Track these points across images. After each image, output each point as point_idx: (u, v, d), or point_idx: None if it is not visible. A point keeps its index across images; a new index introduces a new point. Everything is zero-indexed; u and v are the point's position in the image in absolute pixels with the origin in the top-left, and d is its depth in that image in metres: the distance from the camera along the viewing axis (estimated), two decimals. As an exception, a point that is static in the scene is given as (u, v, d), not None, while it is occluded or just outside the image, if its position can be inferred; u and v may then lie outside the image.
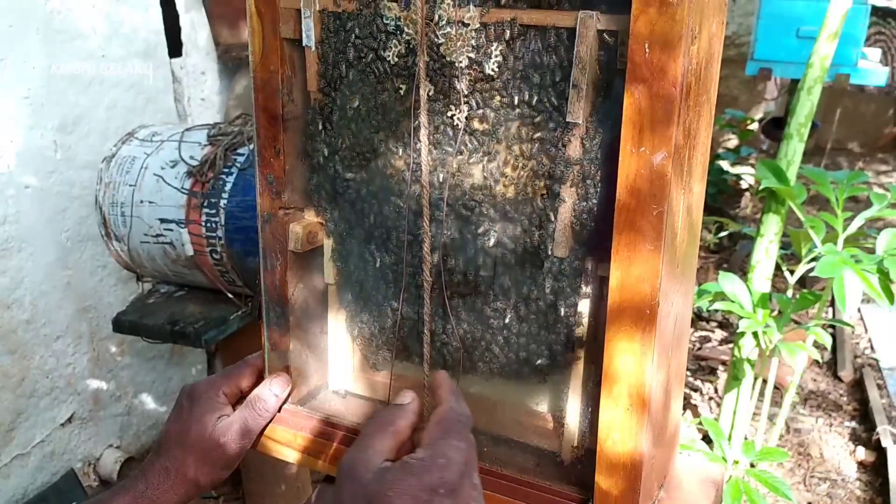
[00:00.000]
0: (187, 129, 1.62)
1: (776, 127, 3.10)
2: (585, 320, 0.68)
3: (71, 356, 1.92)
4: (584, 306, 0.67)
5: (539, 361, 0.70)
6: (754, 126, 3.74)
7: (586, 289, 0.67)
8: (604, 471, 0.65)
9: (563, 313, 0.68)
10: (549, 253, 0.66)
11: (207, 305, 1.62)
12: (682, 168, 0.59)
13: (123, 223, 1.59)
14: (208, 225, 1.50)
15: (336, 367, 0.83)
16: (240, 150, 1.53)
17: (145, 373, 2.14)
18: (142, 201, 1.56)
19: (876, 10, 3.17)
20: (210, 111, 2.22)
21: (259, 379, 0.82)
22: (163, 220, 1.54)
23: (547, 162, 0.64)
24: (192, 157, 1.55)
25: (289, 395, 0.80)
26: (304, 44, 0.71)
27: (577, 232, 0.65)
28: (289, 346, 0.80)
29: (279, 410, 0.79)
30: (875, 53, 2.98)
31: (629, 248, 0.59)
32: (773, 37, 2.75)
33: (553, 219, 0.65)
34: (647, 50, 0.54)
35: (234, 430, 0.76)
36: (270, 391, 0.78)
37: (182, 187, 1.53)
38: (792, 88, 2.97)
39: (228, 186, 1.50)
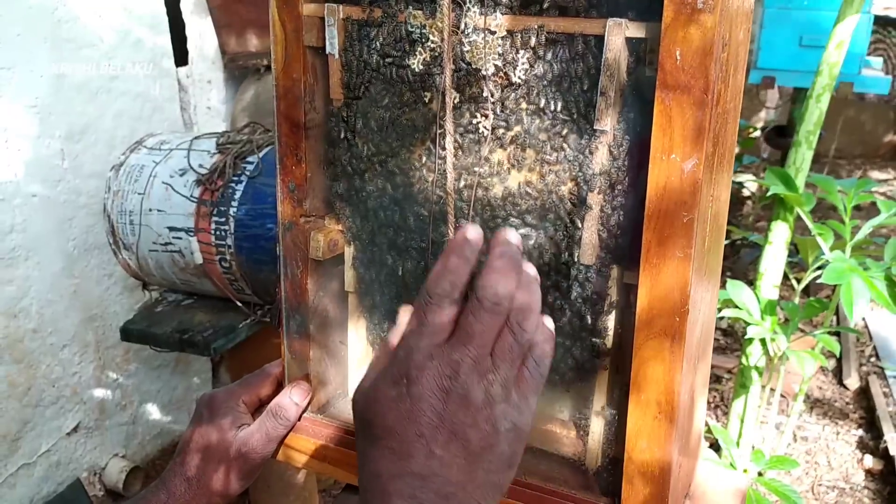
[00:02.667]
0: (196, 138, 1.62)
1: (779, 135, 3.11)
2: (611, 328, 0.67)
3: (77, 365, 1.91)
4: (610, 314, 0.67)
5: (564, 369, 0.70)
6: (756, 134, 3.75)
7: (612, 296, 0.66)
8: (631, 479, 0.64)
9: (588, 321, 0.67)
10: (576, 260, 0.65)
11: (216, 314, 1.62)
12: (710, 175, 0.59)
13: (132, 231, 1.58)
14: (217, 233, 1.50)
15: (355, 374, 0.83)
16: (249, 159, 1.53)
17: (150, 382, 2.14)
18: (150, 209, 1.56)
19: (877, 20, 3.18)
20: (216, 120, 2.22)
21: (278, 387, 0.82)
22: (172, 229, 1.54)
23: (574, 169, 0.64)
24: (200, 166, 1.54)
25: (309, 404, 0.79)
26: (327, 52, 0.71)
27: (604, 239, 0.65)
28: (309, 354, 0.79)
29: (299, 419, 0.79)
30: (877, 62, 2.99)
31: (659, 256, 0.59)
32: (776, 45, 2.76)
33: (580, 226, 0.64)
34: (679, 57, 0.54)
35: (254, 439, 0.75)
36: (291, 399, 0.78)
37: (191, 195, 1.52)
38: (795, 97, 2.98)
39: (238, 195, 1.49)
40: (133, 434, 2.11)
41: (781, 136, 3.15)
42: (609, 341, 0.68)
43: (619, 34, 0.59)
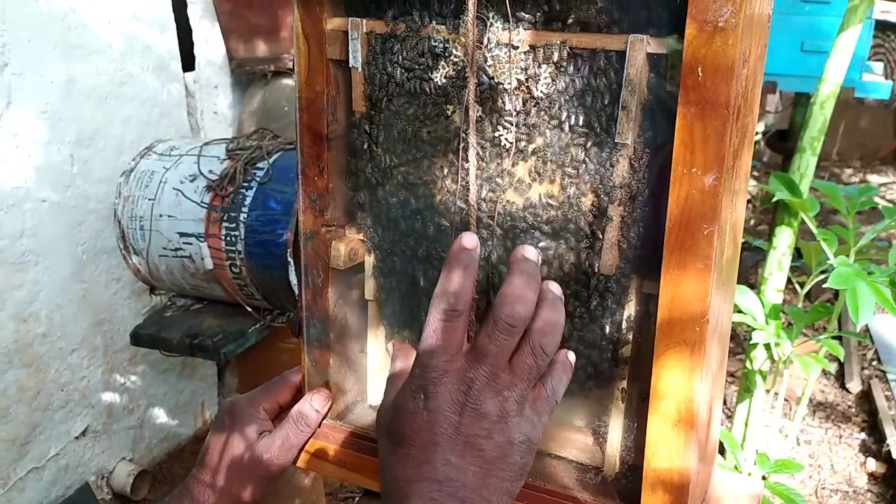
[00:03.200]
0: (206, 144, 1.64)
1: (780, 139, 3.13)
2: (630, 337, 0.69)
3: (86, 369, 1.92)
4: (630, 323, 0.68)
5: (585, 377, 0.71)
6: (757, 138, 3.76)
7: (632, 306, 0.68)
8: (650, 486, 0.65)
9: (608, 330, 0.69)
10: (596, 270, 0.67)
11: (225, 319, 1.63)
12: (730, 188, 0.61)
13: (142, 237, 1.59)
14: (228, 239, 1.51)
15: (374, 382, 0.84)
16: (259, 165, 1.55)
17: (157, 385, 2.15)
18: (161, 215, 1.57)
19: (876, 24, 3.20)
20: (223, 125, 2.23)
21: (298, 394, 0.83)
22: (182, 234, 1.55)
23: (595, 181, 0.65)
24: (211, 172, 1.56)
25: (329, 410, 0.80)
26: (350, 65, 0.72)
27: (624, 250, 0.66)
28: (328, 361, 0.80)
29: (320, 425, 0.80)
30: (878, 67, 3.01)
31: (679, 267, 0.60)
32: (777, 50, 2.78)
33: (600, 237, 0.66)
34: (701, 74, 0.56)
35: (276, 445, 0.76)
36: (311, 406, 0.79)
37: (201, 201, 1.53)
38: (796, 101, 2.99)
39: (248, 200, 1.50)
40: (140, 438, 2.12)
41: (783, 140, 3.16)
42: (628, 350, 0.69)
43: (640, 50, 0.61)
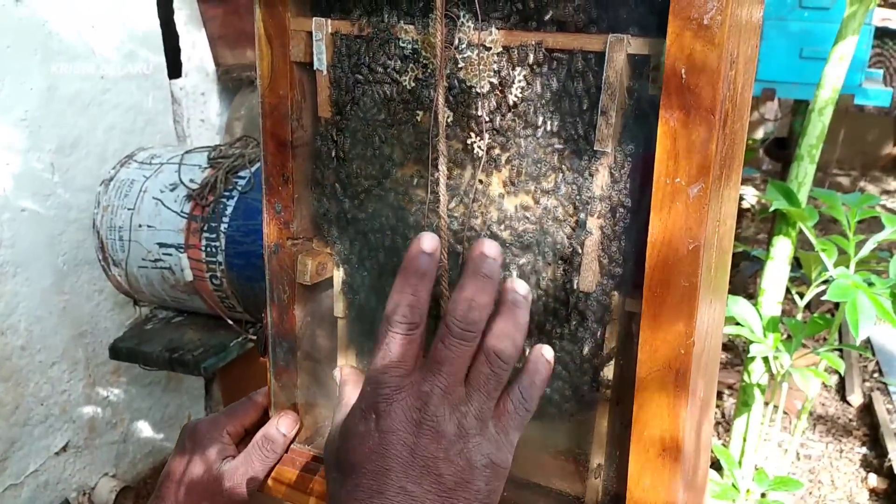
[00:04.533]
0: (187, 152, 1.59)
1: (779, 147, 3.09)
2: (612, 358, 0.64)
3: (66, 383, 1.87)
4: (611, 343, 0.64)
5: (562, 400, 0.66)
6: (755, 146, 3.72)
7: (613, 325, 0.63)
8: (634, 519, 0.61)
9: (588, 350, 0.64)
10: (575, 287, 0.62)
11: (206, 332, 1.58)
12: (718, 198, 0.56)
13: (121, 248, 1.55)
14: (208, 250, 1.47)
15: (345, 404, 0.79)
16: (241, 173, 1.50)
17: (141, 399, 2.10)
18: (140, 225, 1.53)
19: (875, 32, 3.16)
20: (210, 132, 2.19)
21: (264, 416, 0.78)
22: (161, 245, 1.51)
23: (573, 192, 0.61)
24: (192, 181, 1.51)
25: (297, 434, 0.76)
26: (315, 67, 0.68)
27: (605, 265, 0.61)
28: (296, 382, 0.76)
29: (287, 450, 0.75)
30: (878, 74, 2.97)
31: (662, 285, 0.56)
32: (776, 57, 2.74)
33: (579, 252, 0.61)
34: (684, 76, 0.51)
35: (239, 472, 0.72)
36: (278, 430, 0.74)
37: (181, 211, 1.49)
38: (795, 108, 2.95)
39: (229, 210, 1.46)
40: (124, 453, 2.07)
41: (781, 148, 3.12)
42: (610, 372, 0.64)
43: (620, 51, 0.56)
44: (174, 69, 2.06)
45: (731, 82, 0.54)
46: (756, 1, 0.60)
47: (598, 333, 0.63)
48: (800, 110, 2.93)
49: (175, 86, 2.05)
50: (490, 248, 0.54)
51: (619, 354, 0.64)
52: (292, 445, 0.76)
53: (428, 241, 0.53)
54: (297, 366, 0.75)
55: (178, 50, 2.08)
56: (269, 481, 0.75)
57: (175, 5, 2.00)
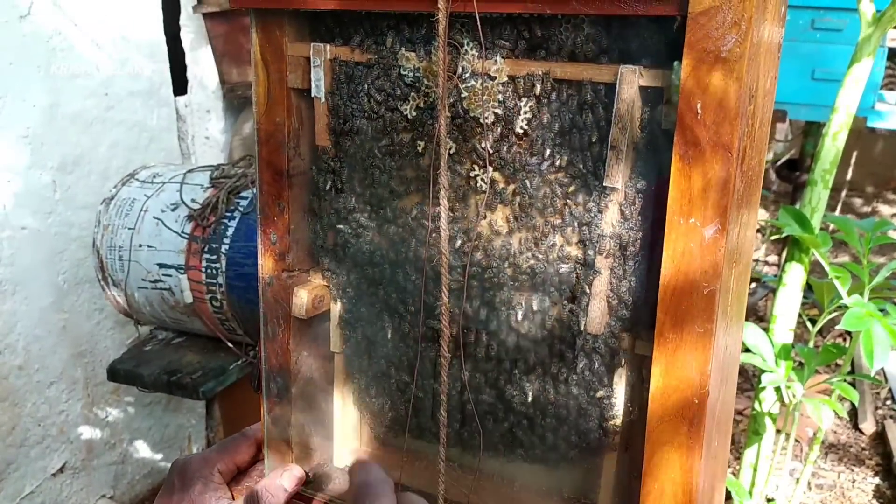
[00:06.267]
0: (189, 171, 1.57)
1: (790, 169, 3.05)
2: (621, 404, 0.61)
3: (64, 403, 1.84)
4: (621, 388, 0.61)
5: (568, 447, 0.63)
6: (766, 167, 3.68)
7: (623, 369, 0.60)
8: (643, 577, 0.57)
9: (596, 395, 0.61)
10: (582, 329, 0.59)
11: (206, 354, 1.55)
12: (735, 238, 0.53)
13: (121, 268, 1.53)
14: (208, 271, 1.44)
15: (341, 442, 0.76)
16: (243, 194, 1.48)
17: (141, 419, 2.07)
18: (140, 245, 1.50)
19: (889, 53, 3.13)
20: (214, 150, 2.17)
21: (257, 453, 0.75)
22: (161, 266, 1.48)
23: (581, 229, 0.58)
24: (193, 200, 1.49)
25: (298, 490, 0.72)
26: (313, 94, 0.65)
27: (614, 307, 0.58)
28: (290, 419, 0.73)
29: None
30: (891, 96, 2.93)
31: (675, 330, 0.52)
32: (787, 79, 2.70)
33: (587, 291, 0.58)
34: (700, 111, 0.48)
35: None
36: (280, 484, 0.71)
37: (182, 231, 1.47)
38: (807, 130, 2.92)
39: (230, 231, 1.44)
40: (122, 474, 2.04)
41: (792, 169, 3.09)
42: (619, 418, 0.61)
43: (632, 83, 0.53)
44: (179, 86, 2.05)
45: (750, 117, 0.51)
46: (776, 24, 0.57)
47: (606, 378, 0.60)
48: (811, 132, 2.90)
49: (180, 103, 2.04)
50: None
51: (628, 400, 0.61)
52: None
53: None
54: (292, 403, 0.72)
55: (184, 67, 2.07)
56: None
57: (181, 22, 1.99)
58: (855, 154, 3.33)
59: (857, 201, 4.68)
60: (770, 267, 3.51)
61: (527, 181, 0.58)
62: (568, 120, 0.56)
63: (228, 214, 1.45)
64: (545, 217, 0.59)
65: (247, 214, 1.45)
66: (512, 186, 0.59)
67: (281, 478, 0.70)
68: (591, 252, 0.57)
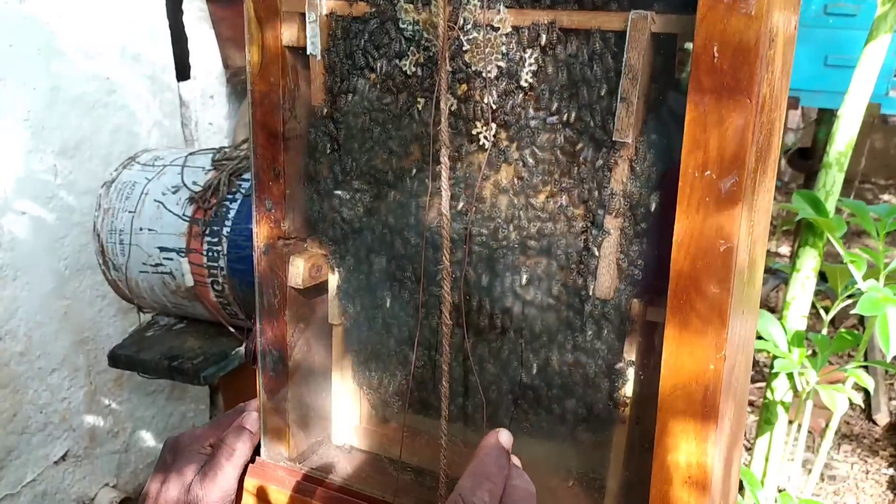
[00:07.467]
0: (191, 154, 1.55)
1: (802, 157, 3.00)
2: (632, 373, 0.58)
3: (66, 390, 1.82)
4: (631, 356, 0.58)
5: (576, 420, 0.60)
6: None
7: (634, 337, 0.57)
8: (655, 554, 0.54)
9: (605, 364, 0.58)
10: (591, 294, 0.56)
11: (208, 339, 1.53)
12: (752, 195, 0.50)
13: (122, 252, 1.50)
14: (210, 254, 1.41)
15: (340, 419, 0.73)
16: (245, 176, 1.45)
17: (144, 408, 2.05)
18: (141, 229, 1.48)
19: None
20: (218, 136, 2.14)
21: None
22: (162, 249, 1.46)
23: (589, 188, 0.55)
24: (194, 183, 1.46)
25: (259, 435, 0.69)
26: (308, 52, 0.62)
27: (624, 270, 0.55)
28: (287, 393, 0.70)
29: (254, 456, 0.69)
30: (906, 83, 2.88)
31: (690, 291, 0.49)
32: (799, 65, 2.66)
33: (596, 254, 0.55)
34: (717, 55, 0.45)
35: (206, 478, 0.65)
36: (242, 426, 0.68)
37: (183, 214, 1.44)
38: (819, 118, 2.87)
39: (232, 214, 1.41)
40: (125, 462, 2.02)
41: (805, 158, 3.04)
42: (629, 389, 0.58)
43: (643, 30, 0.50)
44: (182, 71, 2.02)
45: (770, 63, 0.47)
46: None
47: (616, 345, 0.57)
48: (824, 119, 2.85)
49: (183, 88, 2.01)
50: (506, 438, 0.56)
51: (639, 369, 0.58)
52: (282, 464, 0.70)
53: (506, 437, 0.56)
54: (288, 377, 0.70)
55: (187, 52, 2.04)
56: (251, 498, 0.69)
57: (184, 6, 1.96)
58: (867, 144, 3.28)
59: (869, 195, 4.62)
60: (782, 258, 3.46)
61: (532, 138, 0.55)
62: (575, 72, 0.53)
63: (230, 197, 1.42)
64: (551, 175, 0.56)
65: (248, 197, 1.42)
66: (516, 144, 0.56)
67: (243, 421, 0.67)
68: (599, 212, 0.54)
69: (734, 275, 0.48)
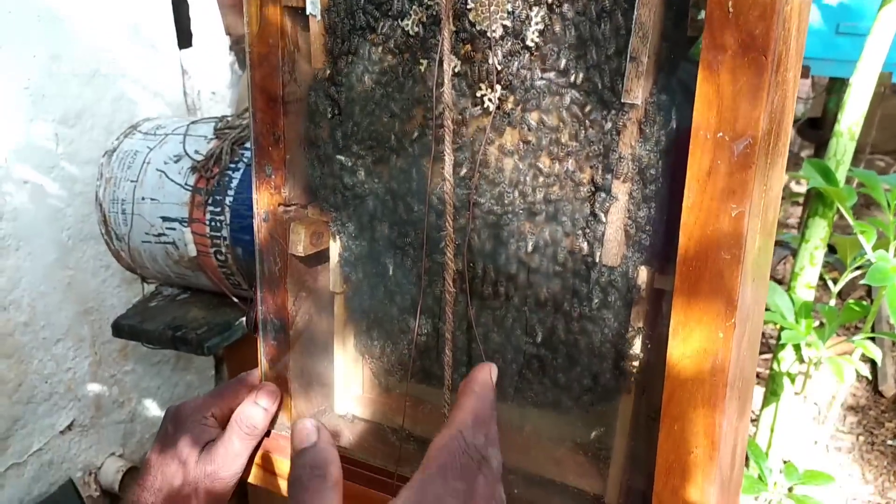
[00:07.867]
0: (193, 122, 1.53)
1: (812, 127, 2.97)
2: (638, 342, 0.57)
3: (71, 360, 1.83)
4: (638, 324, 0.56)
5: (581, 389, 0.59)
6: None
7: (640, 304, 0.56)
8: (661, 524, 0.54)
9: (611, 333, 0.57)
10: (597, 261, 0.55)
11: (211, 310, 1.52)
12: (765, 159, 0.48)
13: (124, 221, 1.49)
14: (213, 224, 1.40)
15: (342, 388, 0.72)
16: (247, 144, 1.44)
17: (150, 378, 2.05)
18: (143, 198, 1.47)
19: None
20: (221, 105, 2.12)
21: (254, 398, 0.72)
22: (165, 219, 1.45)
23: (597, 151, 0.53)
24: (197, 152, 1.45)
25: (279, 409, 0.69)
26: (308, 12, 0.60)
27: (631, 236, 0.54)
28: (288, 363, 0.69)
29: (270, 429, 0.68)
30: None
31: (699, 257, 0.48)
32: (810, 33, 2.61)
33: (603, 220, 0.54)
34: (731, 9, 0.43)
35: (219, 455, 0.65)
36: (258, 405, 0.67)
37: (185, 183, 1.43)
38: (830, 87, 2.83)
39: (235, 183, 1.40)
40: (131, 432, 2.03)
41: (815, 128, 3.00)
42: (635, 357, 0.57)
43: (654, -15, 0.48)
44: (184, 39, 2.00)
45: (787, 19, 0.46)
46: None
47: (623, 313, 0.56)
48: (835, 89, 2.81)
49: (185, 56, 1.99)
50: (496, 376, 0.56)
51: (646, 337, 0.57)
52: (284, 433, 0.69)
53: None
54: (290, 346, 0.69)
55: (189, 19, 2.01)
56: (256, 470, 0.69)
57: (184, -28, 1.93)
58: (878, 115, 3.24)
59: (881, 164, 4.58)
60: (790, 229, 3.44)
61: (537, 100, 0.54)
62: (583, 30, 0.51)
63: (232, 166, 1.41)
64: (558, 138, 0.54)
65: (251, 166, 1.40)
66: (521, 106, 0.54)
67: (257, 398, 0.67)
68: (607, 176, 0.53)
69: (745, 241, 0.47)
